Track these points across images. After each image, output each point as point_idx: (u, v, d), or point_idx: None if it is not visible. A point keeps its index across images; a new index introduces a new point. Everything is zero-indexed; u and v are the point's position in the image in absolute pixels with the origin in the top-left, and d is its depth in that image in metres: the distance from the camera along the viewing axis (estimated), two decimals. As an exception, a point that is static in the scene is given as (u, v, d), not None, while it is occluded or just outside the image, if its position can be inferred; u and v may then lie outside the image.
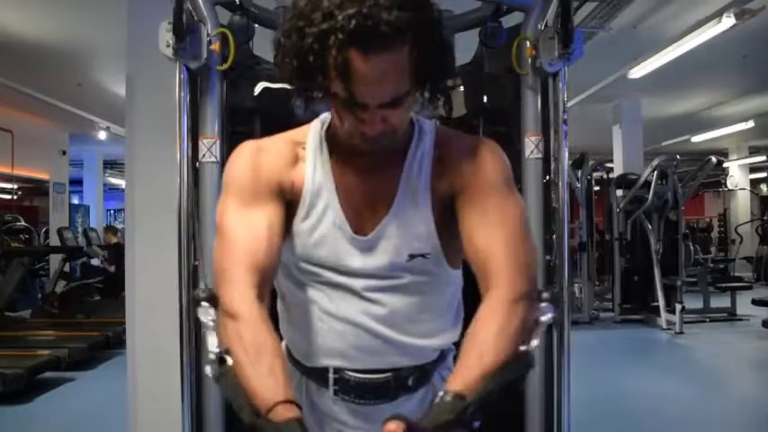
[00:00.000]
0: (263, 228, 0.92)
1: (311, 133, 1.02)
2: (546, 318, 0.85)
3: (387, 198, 0.98)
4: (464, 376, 0.77)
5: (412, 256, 0.97)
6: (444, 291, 1.06)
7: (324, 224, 0.98)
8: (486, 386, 0.75)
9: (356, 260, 0.99)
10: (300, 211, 0.99)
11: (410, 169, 0.99)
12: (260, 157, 0.99)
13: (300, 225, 0.99)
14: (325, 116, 1.02)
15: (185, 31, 1.65)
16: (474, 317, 0.86)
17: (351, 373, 1.01)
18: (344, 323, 1.00)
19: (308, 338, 1.03)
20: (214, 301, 0.87)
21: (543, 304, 0.86)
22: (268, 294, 0.92)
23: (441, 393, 0.76)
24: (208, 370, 0.81)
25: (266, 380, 0.77)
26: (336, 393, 1.02)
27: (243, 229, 0.93)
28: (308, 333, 1.02)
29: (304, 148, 1.01)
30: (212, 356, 0.81)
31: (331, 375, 1.02)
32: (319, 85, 0.87)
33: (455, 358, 1.09)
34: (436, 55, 0.87)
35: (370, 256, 0.98)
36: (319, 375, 1.04)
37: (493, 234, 0.91)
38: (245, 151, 1.01)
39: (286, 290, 1.06)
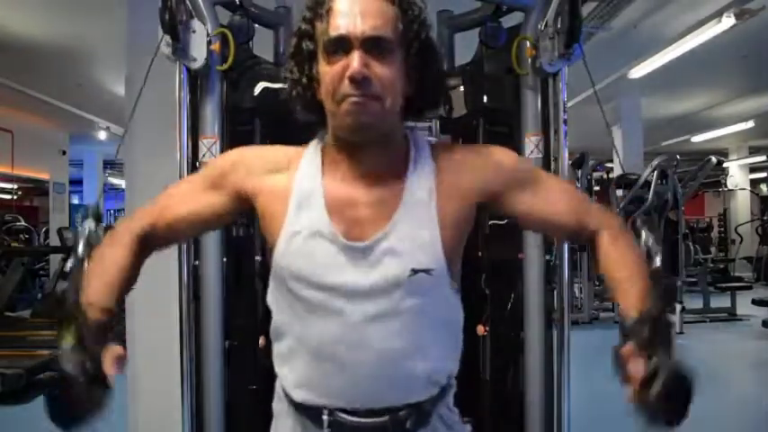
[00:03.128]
0: (191, 207, 1.02)
1: (309, 146, 1.02)
2: (651, 241, 1.08)
3: (388, 208, 0.94)
4: (639, 300, 0.89)
5: (415, 271, 0.91)
6: (444, 321, 1.00)
7: (312, 234, 0.93)
8: (652, 295, 0.89)
9: (350, 275, 0.92)
10: (287, 222, 0.95)
11: (413, 179, 0.96)
12: (241, 159, 1.03)
13: (287, 238, 0.94)
14: (324, 135, 1.02)
15: (174, 28, 1.64)
16: (602, 257, 0.98)
17: (345, 416, 0.95)
18: (337, 359, 0.93)
19: (300, 375, 0.98)
20: (99, 218, 1.14)
21: (644, 231, 1.10)
22: (149, 246, 1.03)
23: (629, 316, 0.87)
24: (68, 263, 1.02)
25: (100, 286, 0.94)
26: None
27: (179, 195, 1.05)
28: (300, 370, 0.98)
29: (299, 159, 1.00)
30: (79, 255, 1.02)
31: (325, 418, 0.95)
32: (308, 54, 0.95)
33: (456, 396, 1.07)
34: (423, 29, 0.95)
35: (367, 270, 0.92)
36: (314, 416, 0.97)
37: (569, 201, 1.02)
38: (237, 150, 1.07)
39: (277, 324, 1.02)
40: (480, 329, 1.91)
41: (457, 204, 0.96)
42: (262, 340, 1.84)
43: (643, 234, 1.04)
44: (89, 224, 1.13)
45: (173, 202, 1.04)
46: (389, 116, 0.93)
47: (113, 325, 0.91)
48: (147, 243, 1.02)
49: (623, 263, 0.96)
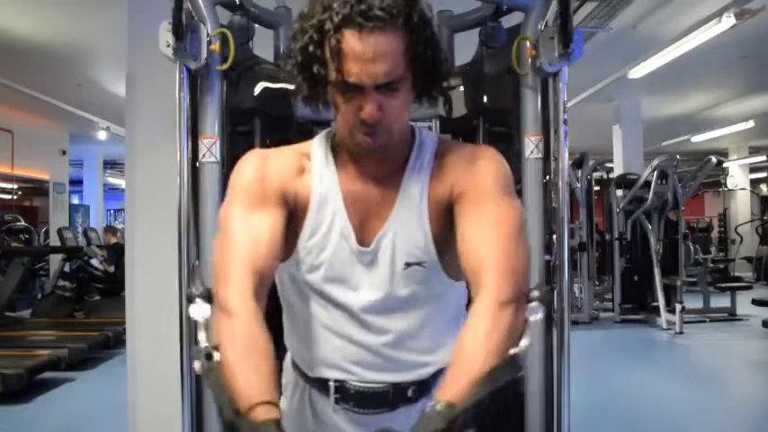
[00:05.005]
0: (265, 231, 0.94)
1: (316, 144, 1.04)
2: (535, 317, 0.86)
3: (387, 207, 1.00)
4: (454, 386, 0.77)
5: (408, 265, 0.99)
6: (444, 305, 1.07)
7: (331, 236, 0.99)
8: (476, 393, 0.75)
9: (358, 273, 1.00)
10: (307, 226, 1.00)
11: (409, 178, 1.00)
12: (266, 164, 1.00)
13: (307, 242, 1.00)
14: (331, 129, 1.05)
15: (185, 31, 1.65)
16: (467, 323, 0.85)
17: (350, 383, 1.03)
18: (345, 340, 1.02)
19: (310, 350, 1.05)
20: (209, 298, 0.90)
21: (533, 304, 0.87)
22: (265, 296, 0.92)
23: (430, 404, 0.75)
24: (196, 365, 0.80)
25: (251, 379, 0.77)
26: (337, 402, 1.04)
27: (245, 231, 0.94)
28: (310, 345, 1.05)
29: (309, 159, 1.02)
30: (202, 352, 0.81)
31: (332, 384, 1.04)
32: (320, 78, 0.91)
33: None
34: (429, 47, 0.93)
35: (372, 269, 1.00)
36: (321, 385, 1.06)
37: (483, 240, 0.91)
38: (252, 158, 1.02)
39: (291, 302, 1.08)
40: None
41: (444, 200, 0.99)
42: None
43: (533, 310, 0.86)
44: (200, 308, 0.88)
45: (252, 239, 0.92)
46: (399, 133, 0.97)
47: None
48: (260, 301, 0.90)
49: (469, 346, 0.81)
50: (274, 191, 0.97)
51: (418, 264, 0.99)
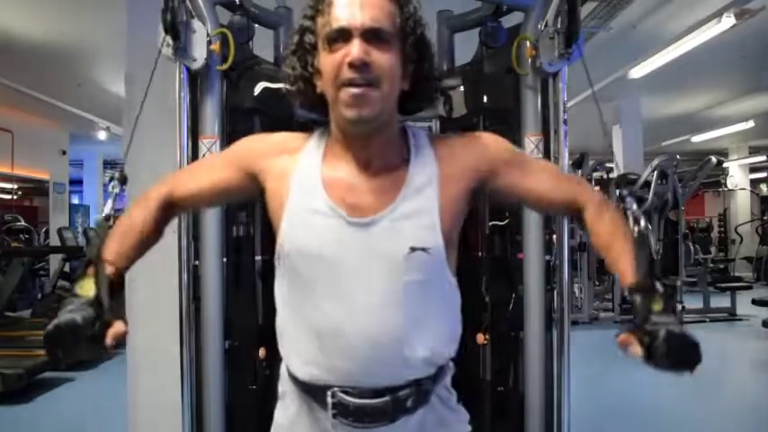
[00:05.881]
0: (209, 179, 1.11)
1: (313, 135, 1.08)
2: (634, 207, 1.26)
3: (389, 194, 0.99)
4: (629, 269, 0.99)
5: (413, 249, 0.96)
6: (443, 300, 1.04)
7: (314, 212, 0.99)
8: (643, 264, 0.97)
9: (351, 249, 0.97)
10: (289, 201, 1.01)
11: (415, 166, 1.01)
12: (260, 142, 1.11)
13: (290, 215, 1.00)
14: (326, 129, 1.08)
15: (179, 30, 1.65)
16: (591, 232, 1.07)
17: (349, 398, 0.99)
18: (341, 336, 0.97)
19: (304, 355, 1.02)
20: (124, 181, 1.37)
21: (628, 198, 1.28)
22: (170, 214, 1.14)
23: (631, 295, 0.96)
24: (95, 220, 1.10)
25: (118, 246, 1.04)
26: (335, 417, 1.00)
27: (198, 169, 1.21)
28: (305, 350, 1.01)
29: (304, 146, 1.06)
30: (105, 212, 1.20)
31: (330, 400, 0.99)
32: (310, 49, 1.00)
33: (454, 378, 1.12)
34: (418, 25, 1.00)
35: (368, 245, 0.97)
36: (319, 397, 1.01)
37: (557, 185, 1.10)
38: (252, 136, 1.17)
39: (283, 305, 1.06)
40: (480, 338, 1.92)
41: (455, 189, 1.02)
42: (262, 351, 1.84)
43: (629, 204, 1.25)
44: (115, 186, 1.32)
45: (193, 174, 1.17)
46: (387, 104, 0.98)
47: (122, 283, 1.04)
48: (169, 207, 1.12)
49: (613, 235, 1.04)
50: (248, 165, 1.07)
51: (423, 249, 0.97)
